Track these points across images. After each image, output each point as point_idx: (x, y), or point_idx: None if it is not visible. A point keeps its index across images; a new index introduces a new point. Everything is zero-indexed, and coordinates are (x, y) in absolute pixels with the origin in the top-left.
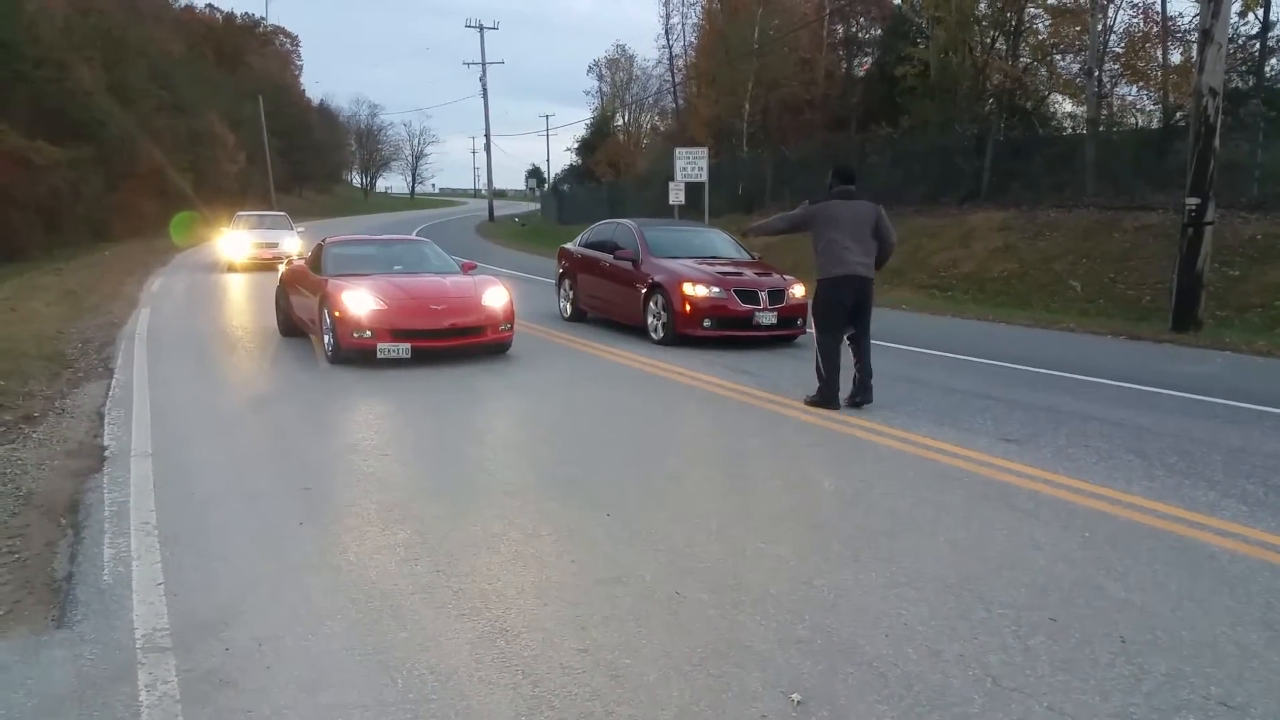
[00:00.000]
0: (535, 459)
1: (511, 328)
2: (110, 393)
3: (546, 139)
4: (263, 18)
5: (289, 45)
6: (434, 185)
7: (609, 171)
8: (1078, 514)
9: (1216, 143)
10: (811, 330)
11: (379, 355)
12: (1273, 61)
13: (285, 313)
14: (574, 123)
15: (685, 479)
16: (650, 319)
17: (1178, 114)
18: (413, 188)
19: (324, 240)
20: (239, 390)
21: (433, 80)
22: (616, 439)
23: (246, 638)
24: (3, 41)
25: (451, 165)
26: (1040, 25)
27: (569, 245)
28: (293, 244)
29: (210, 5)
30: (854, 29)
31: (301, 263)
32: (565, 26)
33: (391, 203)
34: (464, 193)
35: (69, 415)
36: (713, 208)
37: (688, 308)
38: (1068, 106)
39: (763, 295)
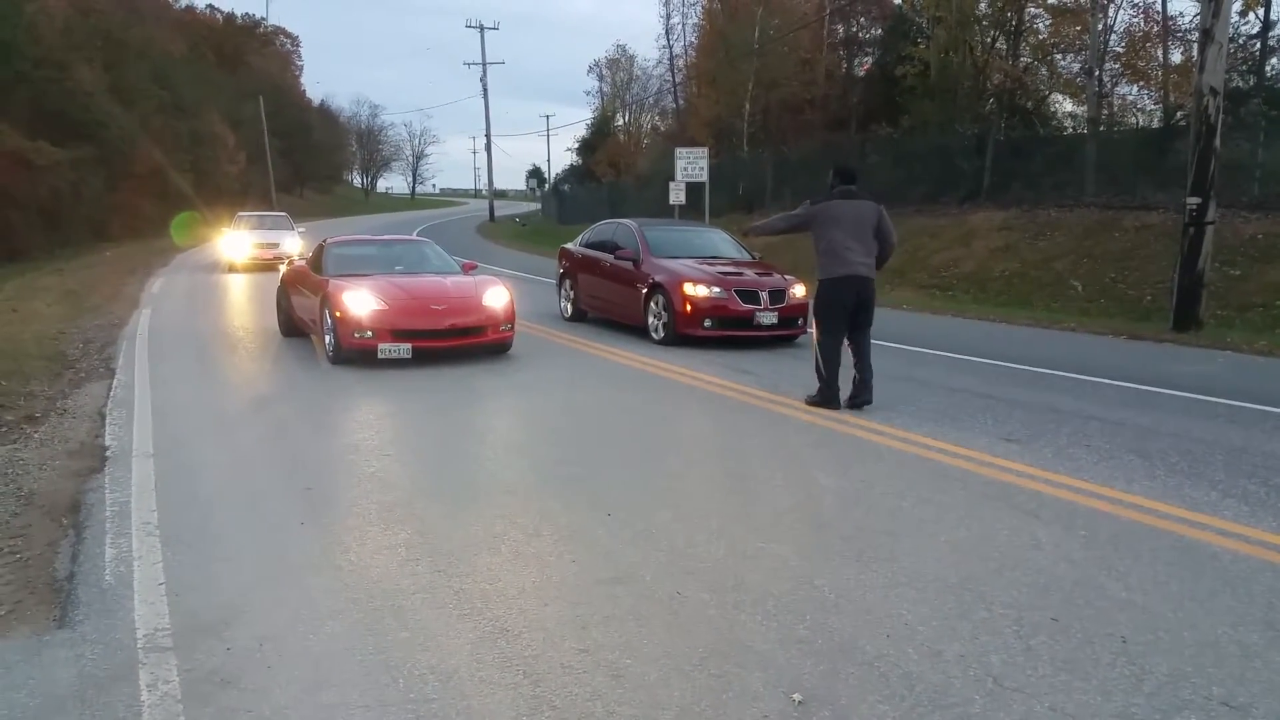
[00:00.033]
0: (536, 459)
1: (512, 328)
2: (112, 393)
3: (547, 139)
4: (263, 18)
5: (289, 46)
6: (434, 185)
7: (609, 171)
8: (1079, 514)
9: (1217, 142)
10: (812, 330)
11: (380, 355)
12: (1273, 61)
13: (286, 313)
14: (574, 123)
15: (686, 479)
16: (651, 319)
17: (1178, 113)
18: (413, 188)
19: (325, 240)
20: (240, 390)
21: (433, 80)
22: (617, 439)
23: (248, 637)
24: (3, 42)
25: (452, 165)
26: (1041, 25)
27: (569, 245)
28: (293, 244)
29: (211, 6)
30: (854, 29)
31: (302, 263)
32: (565, 26)
33: (392, 203)
34: (464, 193)
35: (70, 415)
36: (713, 208)
37: (688, 308)
38: (1068, 106)
39: (763, 295)
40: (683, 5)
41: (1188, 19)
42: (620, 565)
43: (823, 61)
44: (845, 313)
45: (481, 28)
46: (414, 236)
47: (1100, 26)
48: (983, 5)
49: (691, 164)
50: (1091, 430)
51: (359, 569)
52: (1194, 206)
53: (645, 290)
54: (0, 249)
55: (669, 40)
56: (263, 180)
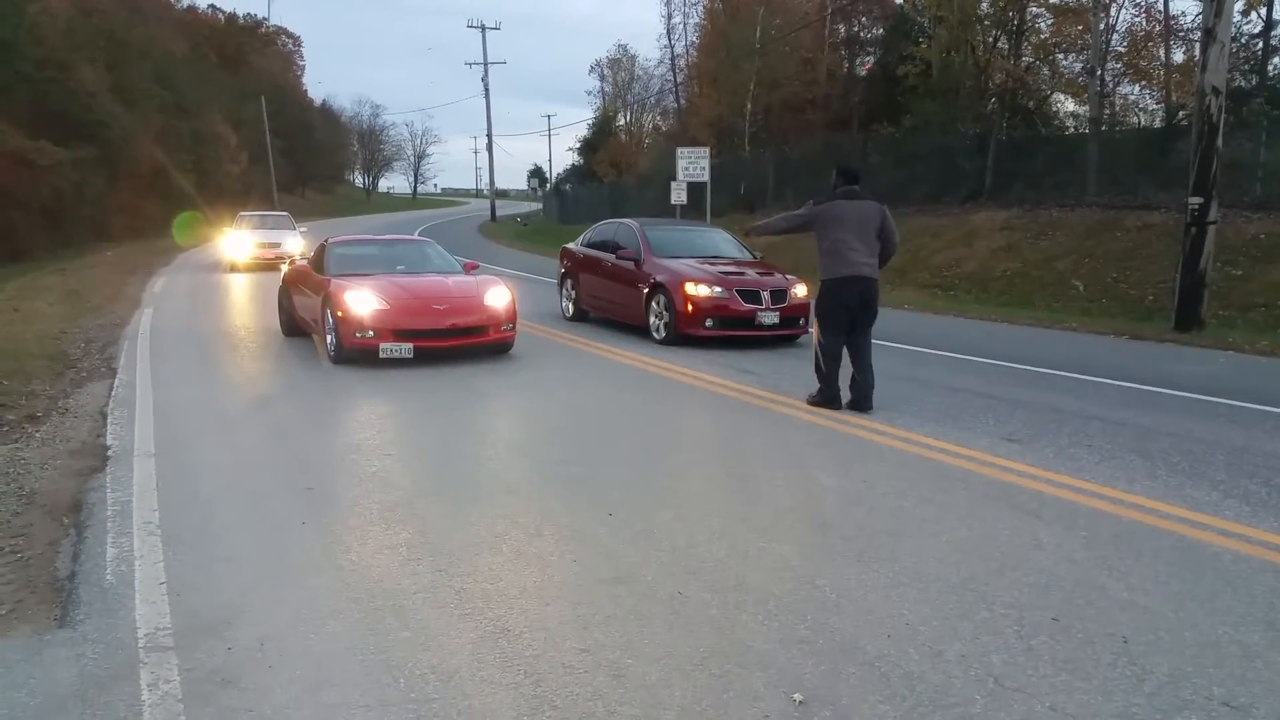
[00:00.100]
0: (537, 458)
1: (514, 327)
2: (113, 392)
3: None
4: (265, 18)
5: (291, 46)
6: (436, 185)
7: (611, 171)
8: (1080, 514)
9: (1219, 142)
10: (813, 330)
11: (381, 355)
12: (1276, 60)
13: (288, 313)
14: (576, 123)
15: (687, 478)
16: (652, 319)
17: (1180, 113)
18: (415, 188)
19: (327, 240)
20: (242, 390)
21: (434, 80)
22: (619, 438)
23: (249, 637)
24: (5, 42)
25: (453, 165)
26: (1042, 24)
27: (571, 245)
28: (295, 244)
29: (213, 6)
30: (856, 28)
31: (304, 263)
32: (567, 26)
33: (393, 203)
34: (466, 193)
35: (72, 415)
36: (715, 208)
37: (690, 307)
38: (1070, 106)
39: (765, 295)
40: (684, 5)
41: (1190, 18)
42: (621, 565)
43: (824, 61)
44: (847, 313)
45: (483, 27)
46: (416, 236)
47: (1102, 26)
48: (984, 5)
49: (693, 164)
50: (1093, 430)
51: (360, 569)
52: (1196, 206)
53: (646, 290)
54: (2, 249)
55: (670, 40)
56: (264, 180)
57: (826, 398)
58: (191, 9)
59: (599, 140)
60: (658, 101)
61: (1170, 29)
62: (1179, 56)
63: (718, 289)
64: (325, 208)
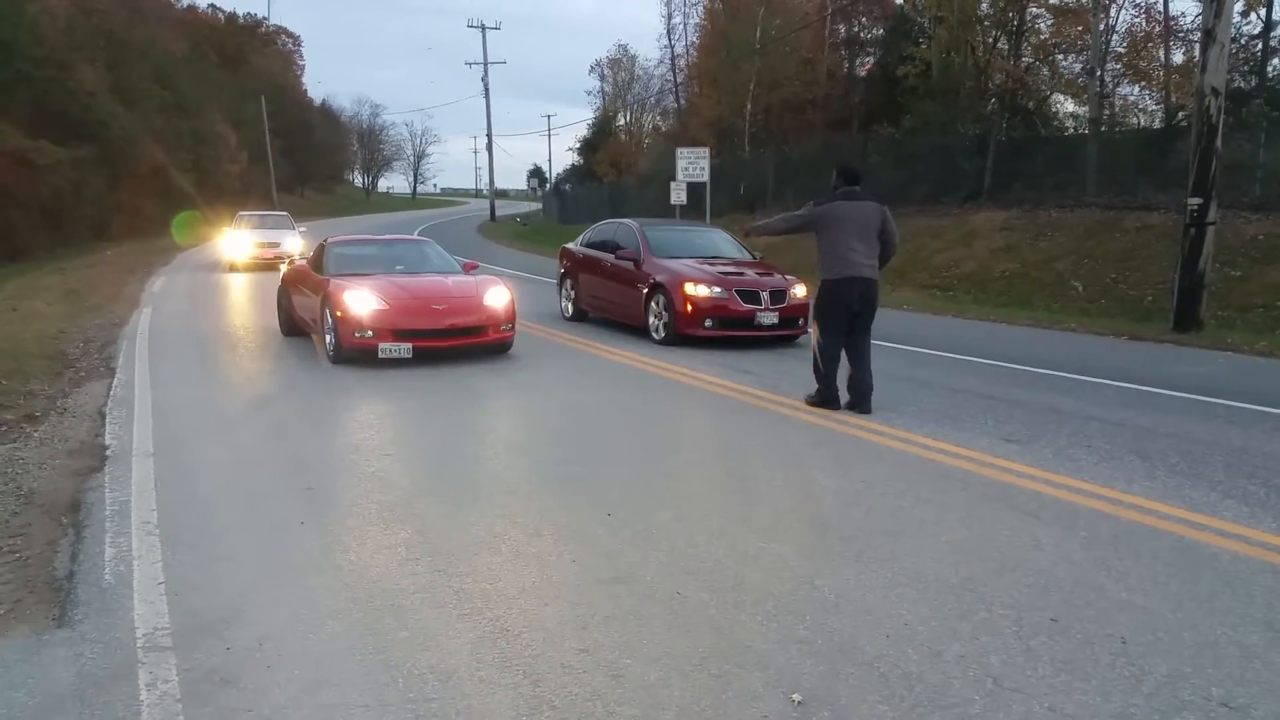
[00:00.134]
0: (537, 458)
1: (513, 327)
2: (112, 392)
3: (548, 139)
4: (265, 18)
5: (291, 45)
6: (436, 185)
7: (611, 171)
8: (1079, 514)
9: (1219, 143)
10: (811, 330)
11: (380, 355)
12: (1275, 61)
13: (287, 312)
14: (576, 123)
15: (687, 479)
16: (652, 319)
17: (1180, 114)
18: (414, 187)
19: (326, 240)
20: (240, 390)
21: (434, 80)
22: (618, 438)
23: (248, 637)
24: (5, 41)
25: (453, 165)
26: (1042, 25)
27: (570, 245)
28: (294, 244)
29: (213, 5)
30: (856, 29)
31: (303, 262)
32: (567, 26)
33: (393, 202)
34: (465, 193)
35: (70, 414)
36: (714, 208)
37: (689, 307)
38: (1070, 106)
39: (764, 295)
40: (684, 5)
41: (1189, 19)
42: (620, 565)
43: (824, 61)
44: (847, 314)
45: (483, 27)
46: (415, 236)
47: (1102, 27)
48: (984, 5)
49: (693, 164)
50: (1092, 431)
51: (359, 569)
52: (1195, 207)
53: (646, 290)
54: (1, 248)
55: (670, 40)
56: (264, 180)
57: (824, 398)
58: (191, 8)
59: (599, 140)
60: (658, 101)
61: (1170, 30)
62: (1179, 57)
63: (717, 289)
64: (325, 207)
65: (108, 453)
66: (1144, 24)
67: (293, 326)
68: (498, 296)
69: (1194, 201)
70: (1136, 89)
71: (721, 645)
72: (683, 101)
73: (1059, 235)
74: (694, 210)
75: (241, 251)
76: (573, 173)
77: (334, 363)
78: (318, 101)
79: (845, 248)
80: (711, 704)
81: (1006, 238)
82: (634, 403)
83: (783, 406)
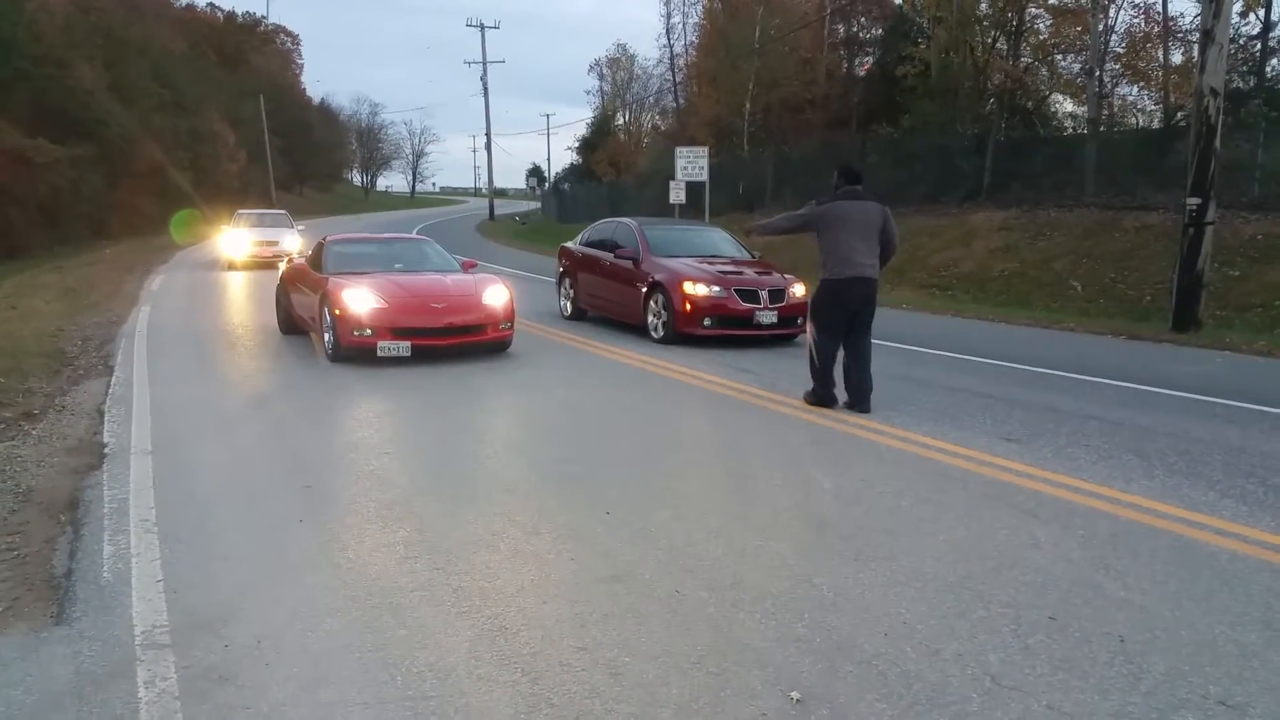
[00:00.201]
0: (535, 457)
1: (512, 326)
2: (110, 390)
3: (547, 138)
4: (264, 17)
5: (290, 44)
6: (434, 184)
7: (610, 171)
8: (1077, 513)
9: (1217, 143)
10: (808, 328)
11: (379, 353)
12: (1274, 61)
13: (285, 311)
14: (575, 122)
15: (685, 477)
16: (651, 318)
17: (1178, 114)
18: (413, 186)
19: (325, 238)
20: (239, 388)
21: (433, 79)
22: (617, 437)
23: (246, 635)
24: (3, 40)
25: (452, 164)
26: (1041, 25)
27: (569, 244)
28: (293, 242)
29: (211, 4)
30: (855, 29)
31: (302, 261)
32: (566, 26)
33: (392, 201)
34: (464, 191)
35: (69, 412)
36: (713, 207)
37: (688, 306)
38: (1069, 106)
39: (763, 294)
40: (683, 5)
41: (1188, 19)
42: (619, 563)
43: (823, 61)
44: (844, 313)
45: (482, 26)
46: (414, 235)
47: (1101, 27)
48: (983, 5)
49: (692, 163)
50: (1090, 430)
51: (357, 567)
52: (1194, 207)
53: (645, 289)
54: (0, 246)
55: (669, 39)
56: (262, 178)
57: (820, 397)
58: (190, 7)
59: (598, 139)
60: (657, 101)
61: (1169, 30)
62: (1177, 58)
63: (716, 288)
64: (323, 206)
65: (106, 450)
66: (1143, 24)
67: (291, 325)
68: (496, 295)
69: (1192, 201)
70: (1135, 89)
71: (720, 643)
72: (682, 101)
73: (1058, 235)
74: (693, 209)
75: (240, 250)
76: (571, 172)
77: (332, 361)
78: (316, 100)
79: (846, 247)
80: (710, 702)
81: (1005, 237)
82: (633, 401)
83: (781, 405)
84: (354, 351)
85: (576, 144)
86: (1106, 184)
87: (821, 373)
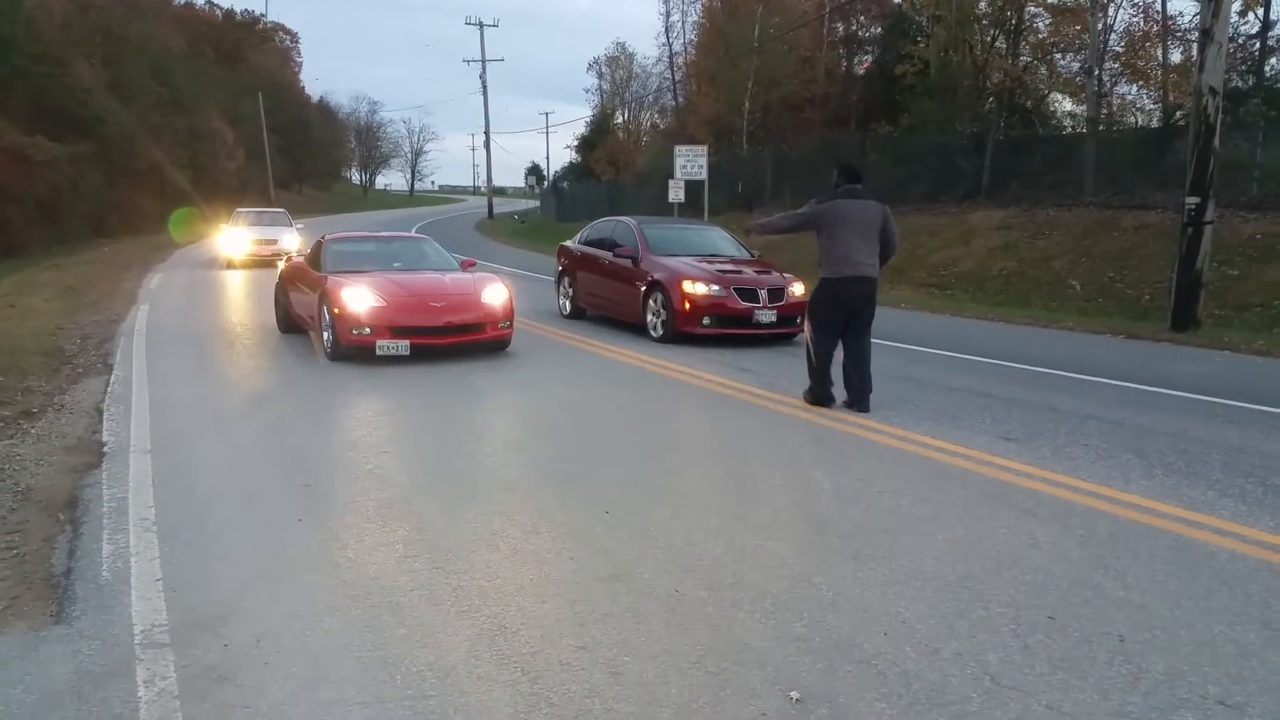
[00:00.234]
0: (534, 456)
1: (511, 325)
2: (109, 389)
3: (546, 136)
4: (262, 14)
5: (289, 42)
6: (433, 182)
7: (609, 169)
8: (1076, 513)
9: (1216, 142)
10: (805, 326)
11: (378, 352)
12: (1273, 61)
13: (284, 309)
14: (574, 120)
15: (685, 476)
16: (650, 316)
17: (1177, 113)
18: (412, 185)
19: (323, 237)
20: (238, 387)
21: (432, 77)
22: (616, 436)
23: (245, 634)
24: (2, 38)
25: (451, 162)
26: (1040, 24)
27: (568, 243)
28: (292, 241)
29: (210, 2)
30: (854, 27)
31: (301, 259)
32: (565, 24)
33: (391, 200)
34: (463, 190)
35: (68, 411)
36: (712, 206)
37: (687, 305)
38: (1068, 105)
39: (762, 293)
40: (682, 3)
41: (1187, 19)
42: (618, 563)
43: (822, 60)
44: (843, 312)
45: (481, 25)
46: (413, 233)
47: (1100, 26)
48: (982, 4)
49: (691, 162)
50: (1089, 429)
51: (357, 566)
52: (1193, 206)
53: (644, 288)
54: None
55: (669, 38)
56: (261, 176)
57: (817, 395)
58: (189, 5)
59: (597, 138)
60: (656, 99)
61: (1168, 29)
62: (1176, 57)
63: (715, 287)
64: (322, 204)
65: (105, 449)
66: (1142, 23)
67: (290, 323)
68: (495, 294)
69: (1191, 200)
70: (1134, 88)
71: (719, 643)
72: (681, 99)
73: (1057, 234)
74: (692, 208)
75: (239, 248)
76: (570, 170)
77: (331, 360)
78: (315, 98)
79: (846, 246)
80: (709, 701)
81: (1004, 236)
82: (632, 400)
83: (781, 405)
84: (353, 350)
85: (575, 142)
86: (1105, 183)
87: (819, 371)
